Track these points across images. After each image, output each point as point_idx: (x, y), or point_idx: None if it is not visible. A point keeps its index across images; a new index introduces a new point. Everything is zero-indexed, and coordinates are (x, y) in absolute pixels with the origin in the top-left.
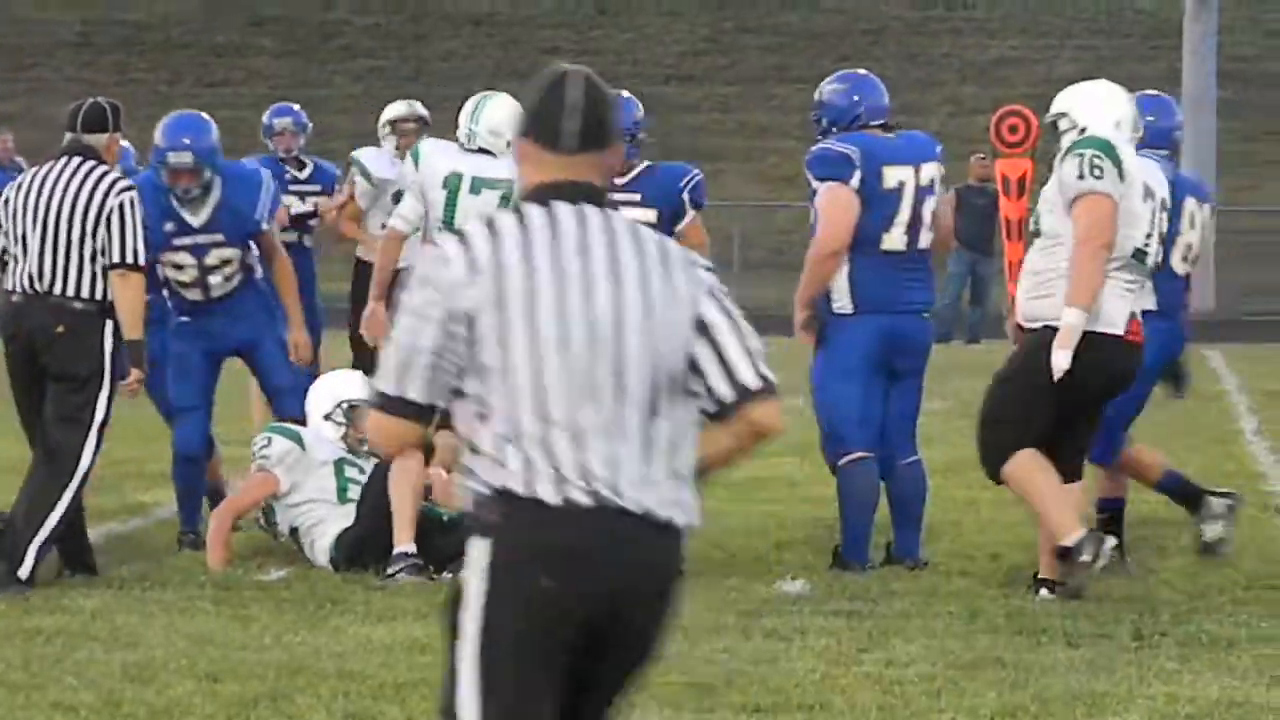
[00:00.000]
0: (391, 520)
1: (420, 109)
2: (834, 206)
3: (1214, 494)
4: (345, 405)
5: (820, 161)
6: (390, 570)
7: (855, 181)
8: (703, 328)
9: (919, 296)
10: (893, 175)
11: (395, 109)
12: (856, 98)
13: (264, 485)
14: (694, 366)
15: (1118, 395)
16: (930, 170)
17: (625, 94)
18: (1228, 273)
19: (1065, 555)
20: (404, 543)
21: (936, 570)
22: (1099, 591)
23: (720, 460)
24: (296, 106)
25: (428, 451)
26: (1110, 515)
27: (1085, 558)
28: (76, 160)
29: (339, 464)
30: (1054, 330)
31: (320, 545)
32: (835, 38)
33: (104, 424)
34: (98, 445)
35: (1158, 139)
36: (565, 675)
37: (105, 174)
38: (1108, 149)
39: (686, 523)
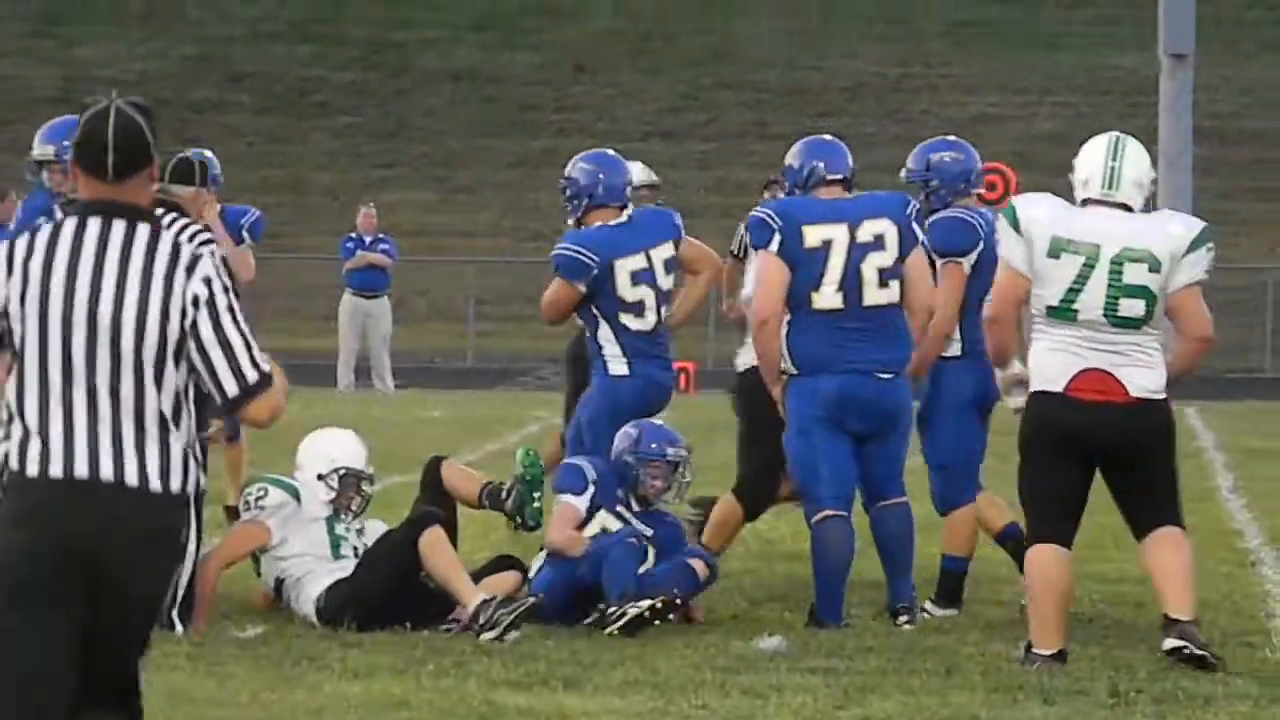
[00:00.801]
0: (385, 584)
1: (653, 176)
2: (761, 273)
3: None
4: (342, 472)
5: (750, 229)
6: (489, 630)
7: (775, 245)
8: (195, 332)
9: (868, 355)
10: (815, 234)
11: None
12: (809, 161)
13: (256, 536)
14: (192, 365)
15: (1110, 451)
16: (876, 227)
17: (611, 153)
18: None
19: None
20: (473, 598)
21: (913, 628)
22: (1074, 648)
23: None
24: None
25: (448, 525)
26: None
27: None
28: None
29: (329, 520)
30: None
31: (308, 594)
32: (813, 94)
33: None
34: None
35: (953, 180)
36: (66, 622)
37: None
38: (1007, 211)
39: (164, 488)
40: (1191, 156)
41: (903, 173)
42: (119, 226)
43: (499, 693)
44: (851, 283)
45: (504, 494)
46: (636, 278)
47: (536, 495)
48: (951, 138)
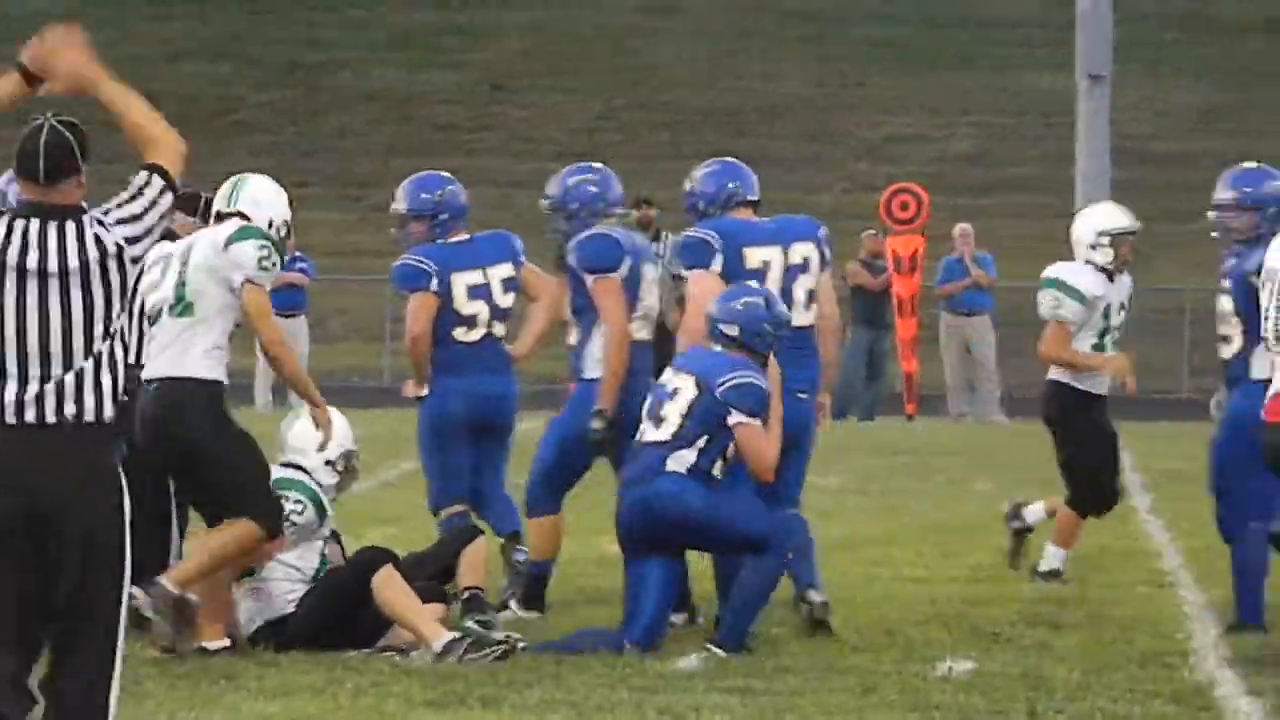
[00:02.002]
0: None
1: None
2: (700, 292)
3: None
4: (348, 452)
5: (684, 250)
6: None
7: (717, 265)
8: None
9: (791, 374)
10: (755, 255)
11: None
12: (726, 182)
13: (276, 545)
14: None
15: None
16: (804, 250)
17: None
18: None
19: None
20: (437, 637)
21: (831, 646)
22: (992, 668)
23: None
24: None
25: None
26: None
27: None
28: None
29: (325, 541)
30: None
31: (255, 608)
32: (730, 115)
33: None
34: None
35: (592, 203)
36: (29, 570)
37: None
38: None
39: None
40: (1109, 177)
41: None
42: (52, 223)
43: (417, 712)
44: (786, 304)
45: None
46: (473, 293)
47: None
48: (596, 165)
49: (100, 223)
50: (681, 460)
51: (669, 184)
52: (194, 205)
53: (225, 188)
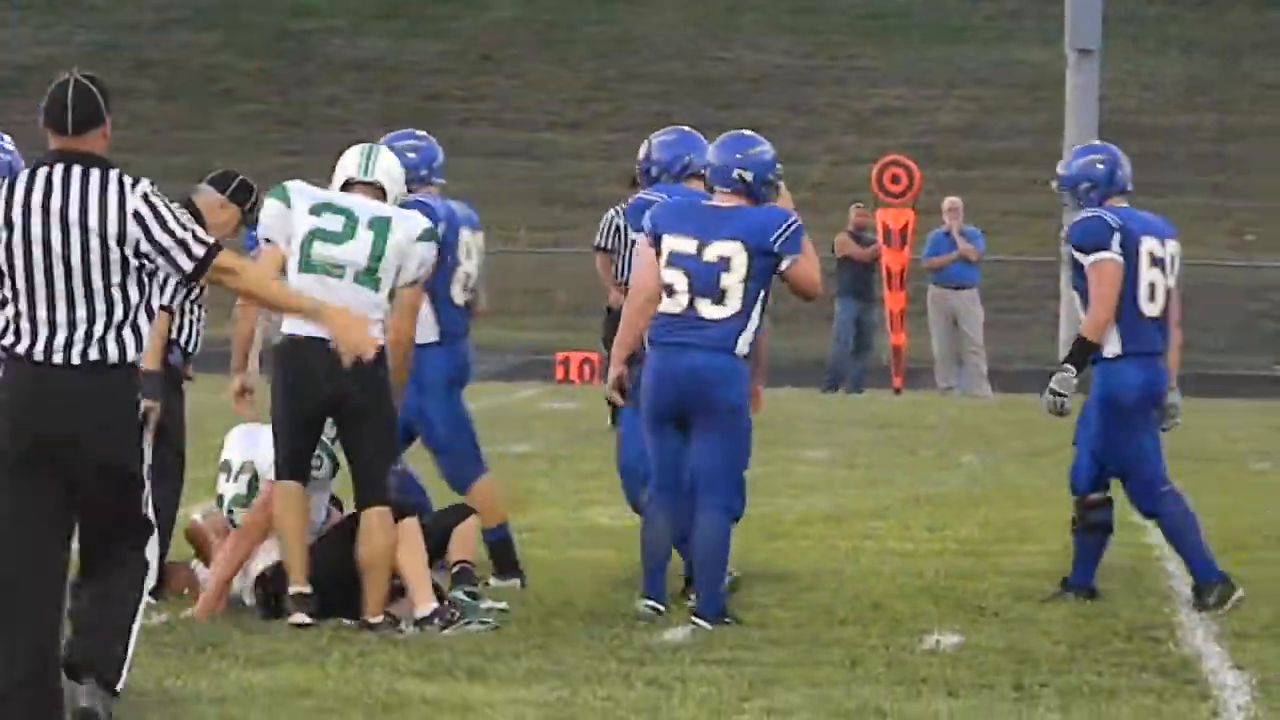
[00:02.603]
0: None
1: None
2: (636, 259)
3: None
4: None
5: (631, 212)
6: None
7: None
8: (145, 234)
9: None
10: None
11: None
12: (683, 153)
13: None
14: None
15: None
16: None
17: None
18: None
19: None
20: (425, 604)
21: (818, 619)
22: (979, 641)
23: None
24: None
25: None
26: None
27: None
28: None
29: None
30: None
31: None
32: (719, 86)
33: None
34: None
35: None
36: (58, 496)
37: None
38: None
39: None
40: None
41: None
42: (77, 169)
43: (404, 682)
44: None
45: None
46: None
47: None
48: (419, 132)
49: (123, 181)
50: (745, 342)
51: None
52: (246, 197)
53: (356, 157)
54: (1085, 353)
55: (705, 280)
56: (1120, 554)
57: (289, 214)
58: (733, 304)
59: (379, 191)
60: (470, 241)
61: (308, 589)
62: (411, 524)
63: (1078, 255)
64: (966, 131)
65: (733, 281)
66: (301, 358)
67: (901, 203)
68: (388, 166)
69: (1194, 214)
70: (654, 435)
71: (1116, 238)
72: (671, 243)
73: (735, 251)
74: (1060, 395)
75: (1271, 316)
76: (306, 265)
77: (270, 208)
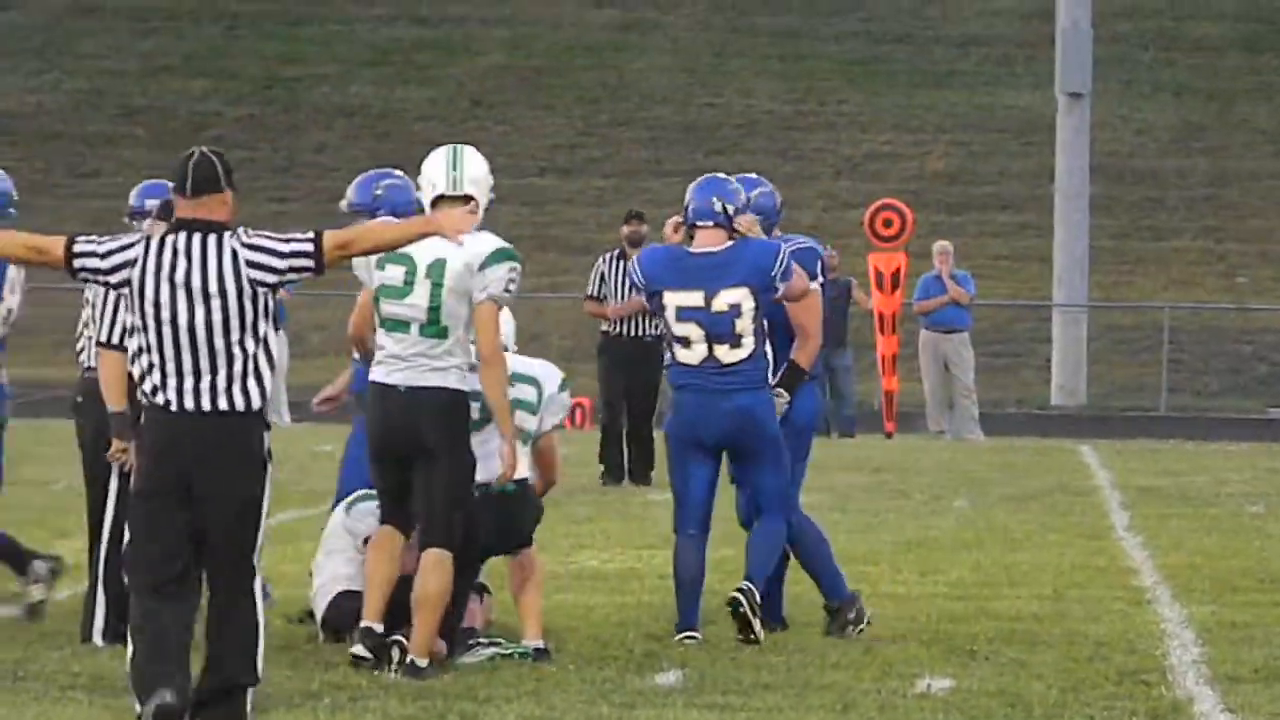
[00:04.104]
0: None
1: None
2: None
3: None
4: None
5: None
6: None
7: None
8: (255, 292)
9: None
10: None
11: None
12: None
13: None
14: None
15: None
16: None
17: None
18: (1100, 368)
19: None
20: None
21: (810, 663)
22: (971, 685)
23: None
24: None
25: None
26: None
27: None
28: None
29: None
30: None
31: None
32: (708, 131)
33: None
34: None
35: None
36: (185, 525)
37: None
38: None
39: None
40: (1088, 194)
41: (344, 204)
42: (196, 237)
43: None
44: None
45: None
46: None
47: None
48: (396, 171)
49: (238, 236)
50: (769, 372)
51: (648, 201)
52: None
53: (442, 168)
54: (799, 379)
55: (720, 328)
56: (1112, 597)
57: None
58: (748, 344)
59: (468, 203)
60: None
61: (378, 627)
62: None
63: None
64: (956, 177)
65: (745, 324)
66: (378, 402)
67: (893, 247)
68: (475, 175)
69: (1187, 258)
70: (690, 469)
71: (820, 265)
72: (676, 298)
73: (743, 297)
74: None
75: (1264, 359)
76: (381, 322)
77: (357, 261)
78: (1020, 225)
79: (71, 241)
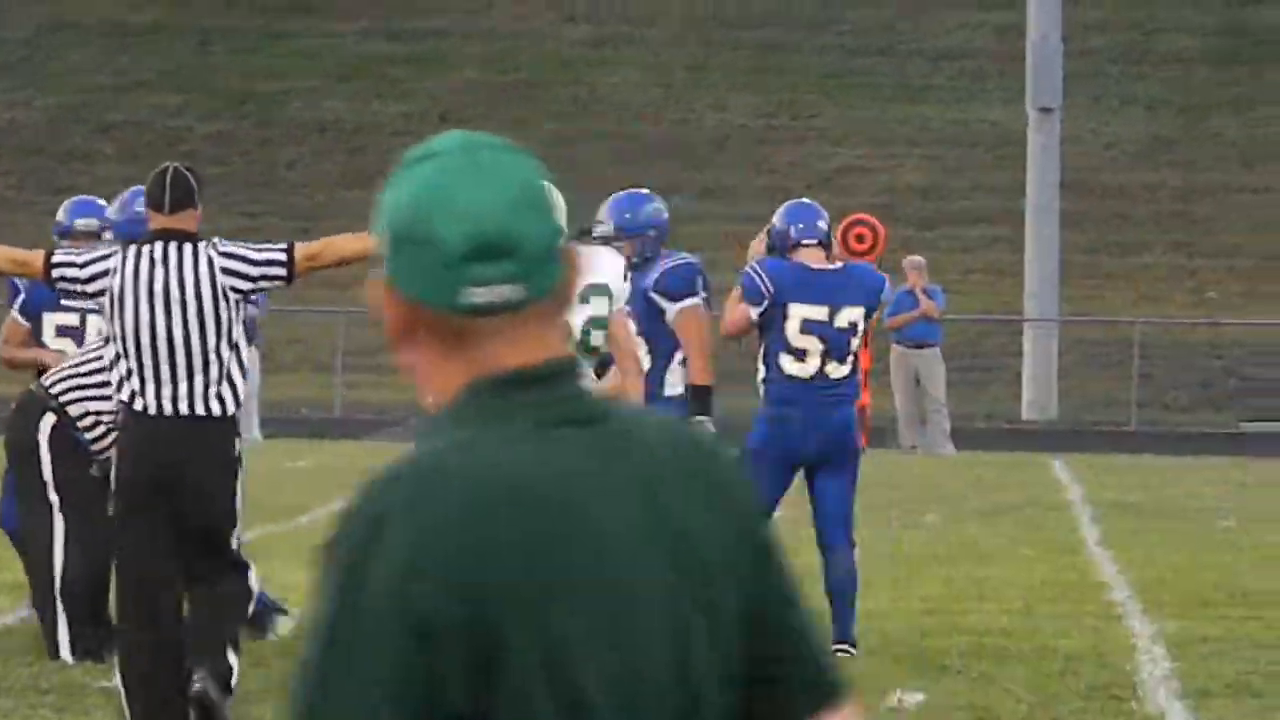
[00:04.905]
0: None
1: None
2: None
3: None
4: None
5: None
6: None
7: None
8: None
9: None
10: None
11: None
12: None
13: None
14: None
15: None
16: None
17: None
18: (1071, 382)
19: None
20: None
21: None
22: (942, 700)
23: None
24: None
25: None
26: None
27: None
28: None
29: None
30: None
31: None
32: (682, 145)
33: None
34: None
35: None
36: (168, 524)
37: None
38: None
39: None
40: (1058, 209)
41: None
42: (173, 247)
43: None
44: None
45: None
46: None
47: None
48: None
49: (213, 246)
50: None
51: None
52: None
53: None
54: (706, 398)
55: (839, 344)
56: (1083, 612)
57: None
58: (850, 361)
59: None
60: None
61: None
62: None
63: (662, 300)
64: (928, 191)
65: (856, 343)
66: None
67: (866, 260)
68: None
69: (1157, 272)
70: (775, 484)
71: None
72: (803, 310)
73: (859, 316)
74: None
75: (1234, 374)
76: None
77: None
78: (992, 239)
79: (50, 253)
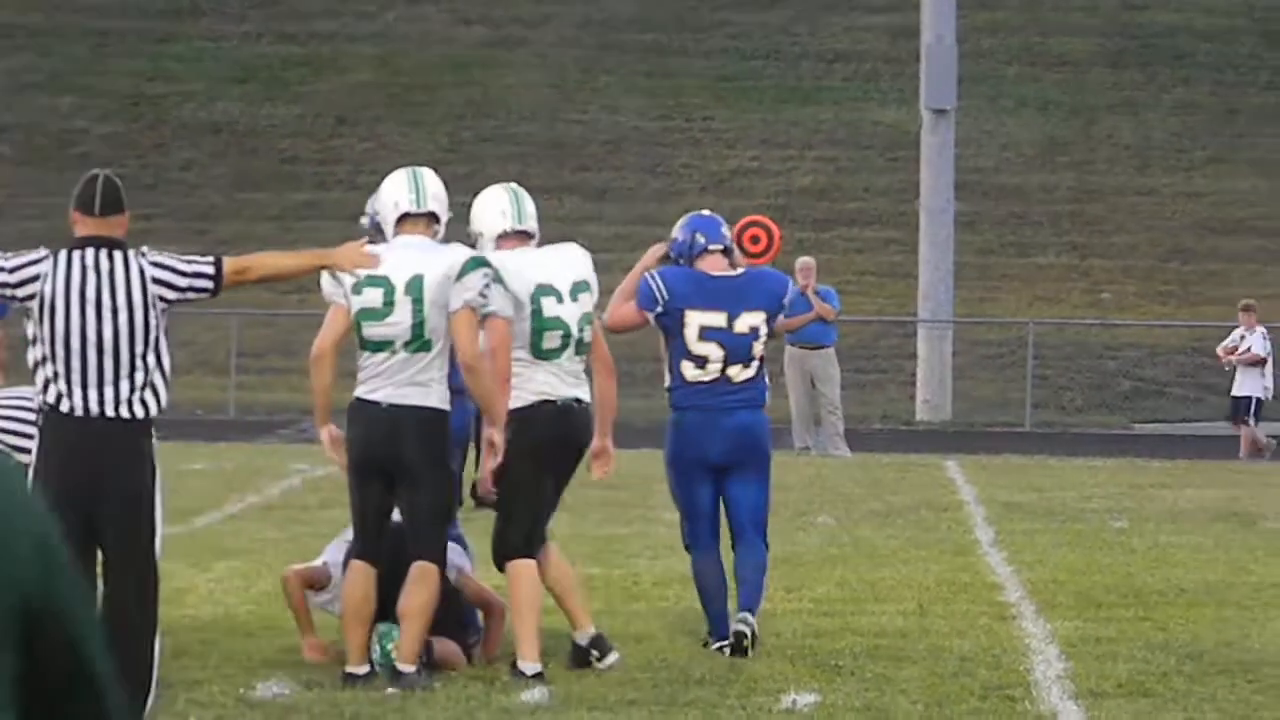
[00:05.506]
0: None
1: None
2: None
3: None
4: None
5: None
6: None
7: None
8: (156, 309)
9: None
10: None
11: None
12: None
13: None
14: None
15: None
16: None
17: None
18: (965, 383)
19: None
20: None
21: (675, 680)
22: (836, 701)
23: None
24: None
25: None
26: None
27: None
28: None
29: None
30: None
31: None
32: (575, 147)
33: None
34: None
35: None
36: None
37: None
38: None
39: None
40: (953, 211)
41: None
42: (104, 251)
43: None
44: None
45: None
46: None
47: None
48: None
49: (143, 255)
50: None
51: None
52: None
53: (406, 189)
54: None
55: (740, 349)
56: (976, 613)
57: (338, 284)
58: (754, 365)
59: (432, 220)
60: None
61: (363, 670)
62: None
63: None
64: (822, 192)
65: (759, 347)
66: (359, 420)
67: (762, 262)
68: (436, 191)
69: (1051, 274)
70: (698, 486)
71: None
72: (701, 317)
73: (760, 321)
74: None
75: (1128, 375)
76: (363, 344)
77: (326, 283)
78: (886, 241)
79: None
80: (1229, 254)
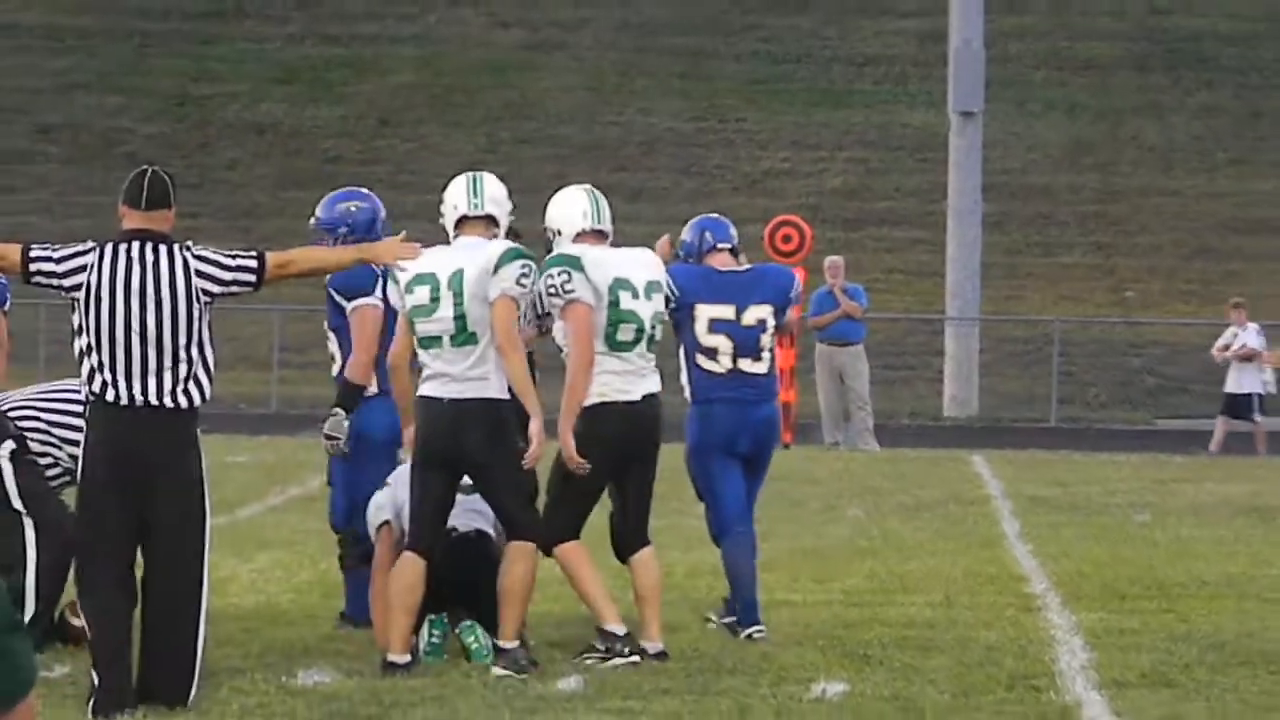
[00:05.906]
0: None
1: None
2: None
3: None
4: None
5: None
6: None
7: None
8: (199, 302)
9: None
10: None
11: None
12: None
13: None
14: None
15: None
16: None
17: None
18: (992, 380)
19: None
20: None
21: (707, 670)
22: (865, 690)
23: None
24: None
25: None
26: None
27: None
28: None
29: None
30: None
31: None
32: (611, 149)
33: None
34: None
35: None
36: (135, 515)
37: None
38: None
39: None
40: (980, 211)
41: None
42: (149, 245)
43: None
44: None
45: None
46: None
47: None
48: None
49: (187, 249)
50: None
51: None
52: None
53: (464, 192)
54: (353, 395)
55: (748, 342)
56: (1003, 604)
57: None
58: (766, 358)
59: (490, 222)
60: None
61: (404, 659)
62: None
63: (340, 298)
64: (852, 193)
65: (767, 339)
66: (423, 415)
67: (793, 262)
68: (494, 194)
69: (1077, 272)
70: (727, 475)
71: (380, 283)
72: (709, 311)
73: (768, 314)
74: (334, 438)
75: (1151, 372)
76: (419, 342)
77: (391, 292)
78: (914, 240)
79: (28, 248)
80: (1251, 253)
